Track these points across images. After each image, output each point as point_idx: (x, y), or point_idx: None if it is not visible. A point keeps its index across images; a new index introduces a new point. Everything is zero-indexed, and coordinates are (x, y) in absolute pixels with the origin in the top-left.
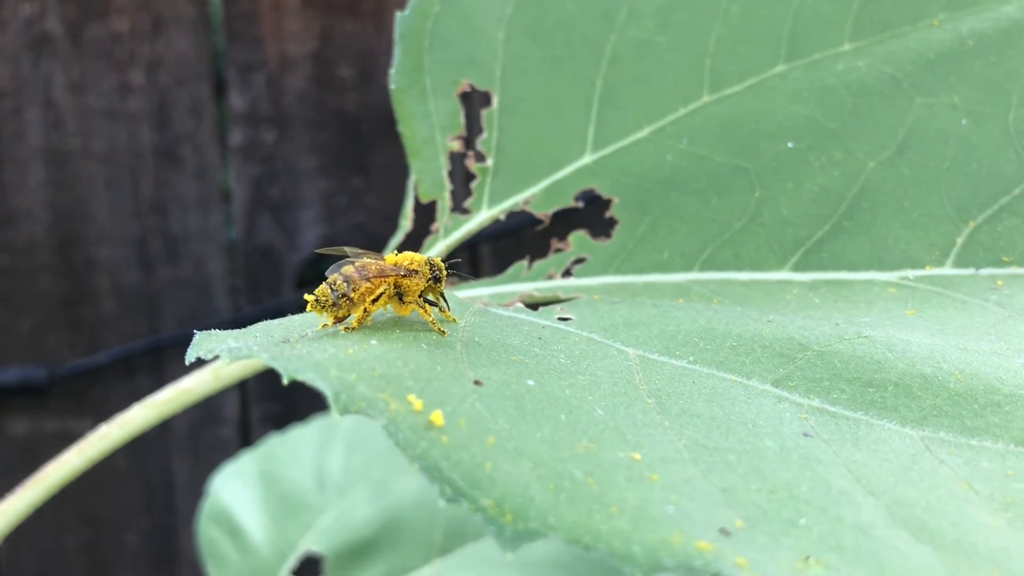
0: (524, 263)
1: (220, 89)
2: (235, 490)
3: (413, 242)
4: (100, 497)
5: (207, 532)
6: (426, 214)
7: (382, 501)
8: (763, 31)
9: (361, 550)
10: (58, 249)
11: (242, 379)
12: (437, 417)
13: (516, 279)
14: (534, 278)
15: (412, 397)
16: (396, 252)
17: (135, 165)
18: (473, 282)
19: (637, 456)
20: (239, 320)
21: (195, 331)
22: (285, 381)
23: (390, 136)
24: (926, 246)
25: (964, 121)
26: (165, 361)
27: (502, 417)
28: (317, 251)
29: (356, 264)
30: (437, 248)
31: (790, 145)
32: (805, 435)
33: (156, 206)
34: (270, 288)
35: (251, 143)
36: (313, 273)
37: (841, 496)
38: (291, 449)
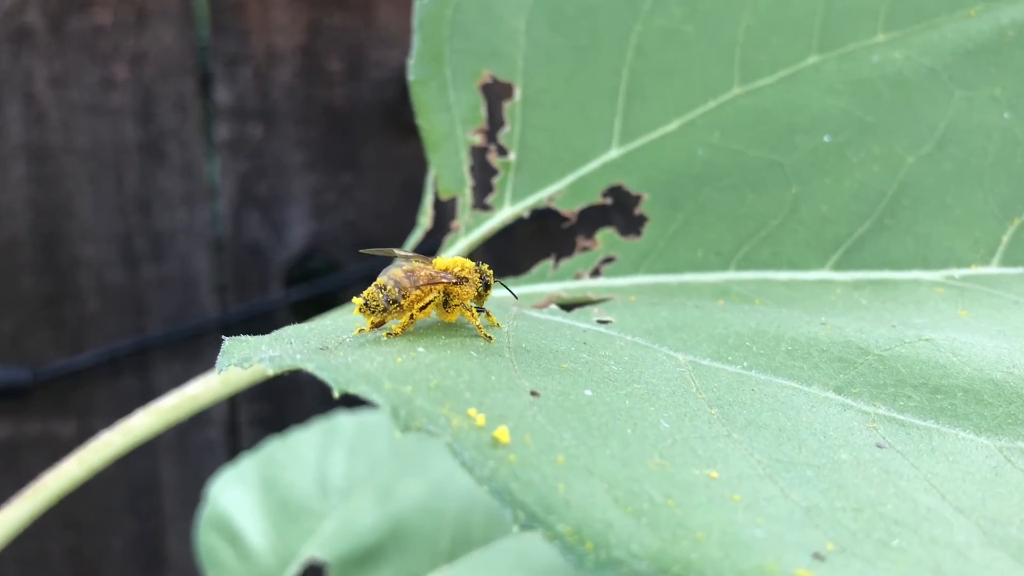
0: (550, 262)
1: (206, 83)
2: (235, 496)
3: (432, 240)
4: (85, 501)
5: (206, 539)
6: (447, 211)
7: (386, 506)
8: (794, 21)
9: (365, 557)
10: (40, 247)
11: (252, 384)
12: (502, 434)
13: (543, 279)
14: (561, 278)
15: (473, 411)
16: (443, 257)
17: (119, 161)
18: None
19: (713, 474)
20: (227, 319)
21: (224, 337)
22: (336, 394)
23: (380, 131)
24: (971, 244)
25: (1007, 114)
26: (151, 361)
27: (567, 432)
28: (363, 251)
29: (405, 269)
30: (458, 247)
31: (826, 139)
32: (879, 446)
33: (141, 203)
34: (258, 286)
35: (238, 138)
36: (302, 271)
37: (930, 514)
38: (292, 453)
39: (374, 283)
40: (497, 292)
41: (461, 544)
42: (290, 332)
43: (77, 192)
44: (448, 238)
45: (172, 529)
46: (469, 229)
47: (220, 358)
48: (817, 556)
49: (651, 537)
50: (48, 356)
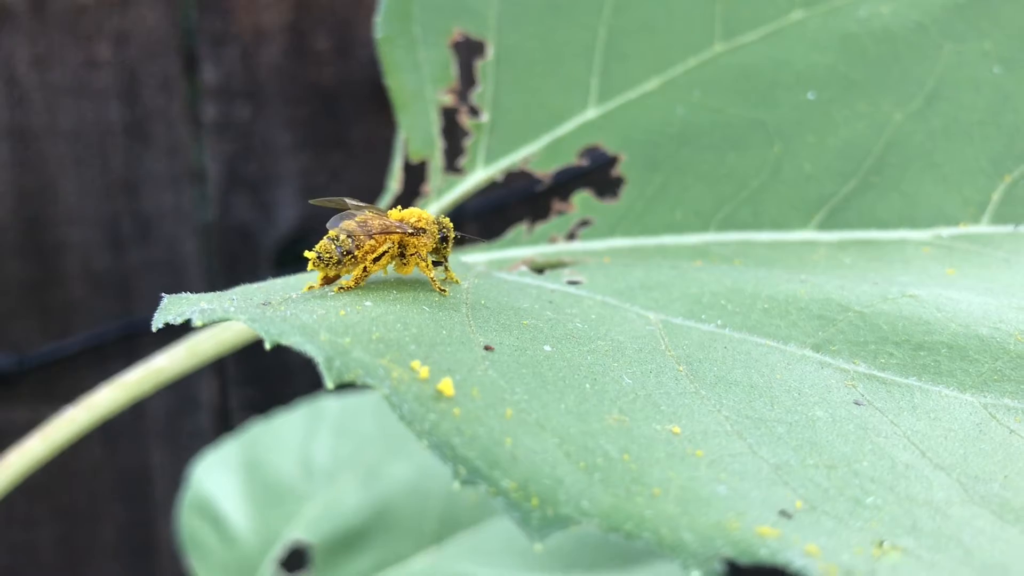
0: (524, 227)
1: (191, 63)
2: (217, 478)
3: (402, 206)
4: (74, 488)
5: (188, 522)
6: (417, 175)
7: (372, 488)
8: None
9: (350, 539)
10: (25, 231)
11: (219, 356)
12: (446, 386)
13: (516, 244)
14: (535, 242)
15: (416, 364)
16: (399, 208)
17: (104, 143)
18: (469, 246)
19: (676, 429)
20: None
21: (163, 294)
22: (268, 346)
23: (370, 110)
24: (960, 202)
25: (997, 69)
26: (139, 346)
27: (519, 386)
28: (313, 201)
29: (357, 219)
30: (429, 211)
31: (810, 96)
32: (857, 403)
33: (127, 185)
34: (247, 269)
35: (225, 119)
36: (292, 253)
37: (908, 471)
38: (276, 435)
39: (326, 235)
40: (469, 257)
41: (449, 525)
42: (238, 290)
43: (61, 175)
44: (419, 202)
45: (162, 516)
46: (440, 193)
47: (157, 314)
48: (784, 513)
49: (603, 493)
50: (34, 342)
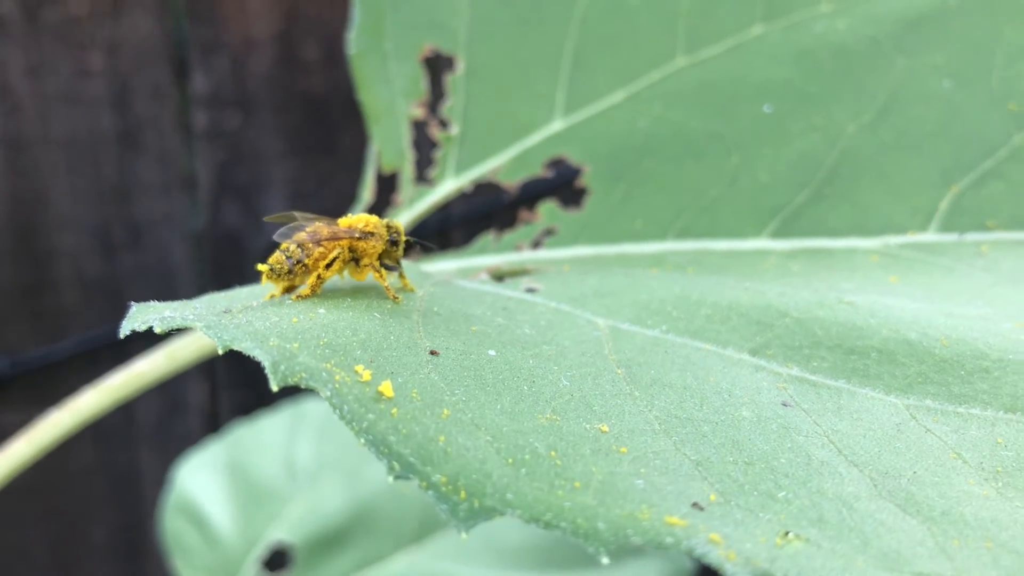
0: (491, 235)
1: (182, 72)
2: (201, 480)
3: (377, 216)
4: (65, 491)
5: (172, 524)
6: (389, 186)
7: (354, 489)
8: None
9: (332, 539)
10: (18, 237)
11: (199, 361)
12: (386, 388)
13: (483, 252)
14: (502, 250)
15: (360, 367)
16: (350, 215)
17: (96, 151)
18: (437, 255)
19: (604, 428)
20: None
21: (131, 303)
22: (220, 351)
23: (359, 117)
24: (909, 212)
25: (947, 83)
26: (130, 351)
27: (459, 388)
28: (266, 218)
29: (308, 229)
30: (400, 220)
31: (767, 109)
32: (784, 405)
33: (118, 192)
34: (237, 275)
35: (215, 127)
36: None
37: (822, 467)
38: (259, 437)
39: (278, 248)
40: (432, 265)
41: (429, 525)
42: (205, 298)
43: (54, 182)
44: (390, 212)
45: (152, 518)
46: (412, 203)
47: (124, 322)
48: (696, 506)
49: (528, 486)
50: (26, 346)
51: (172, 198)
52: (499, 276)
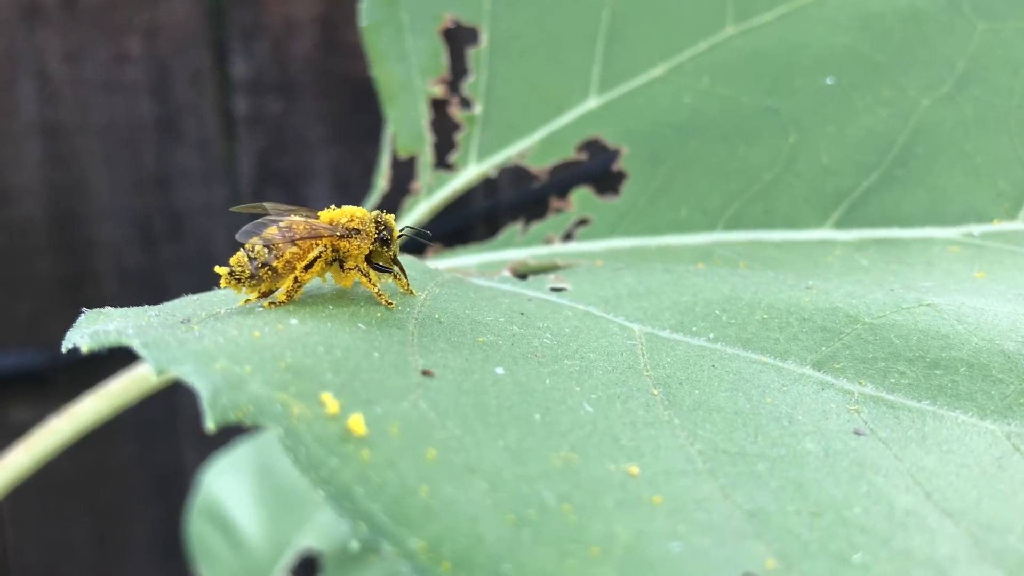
0: (518, 227)
1: (222, 56)
2: (228, 483)
3: (391, 204)
4: (107, 486)
5: (198, 528)
6: (406, 172)
7: None
8: None
9: (362, 547)
10: (57, 228)
11: None
12: (357, 423)
13: (509, 245)
14: (529, 243)
15: (328, 396)
16: (333, 208)
17: (135, 139)
18: (458, 249)
19: (634, 470)
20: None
21: (83, 309)
22: (155, 376)
23: None
24: (993, 196)
25: None
26: None
27: (453, 419)
28: (233, 208)
29: (281, 224)
30: (419, 210)
31: (829, 82)
32: (857, 433)
33: (158, 181)
34: None
35: (256, 113)
36: None
37: (908, 519)
38: None
39: (242, 246)
40: (452, 261)
41: None
42: (172, 304)
43: (93, 171)
44: (407, 201)
45: None
46: (431, 191)
47: (69, 332)
48: None
49: (531, 555)
50: None
51: (213, 187)
52: (523, 273)
